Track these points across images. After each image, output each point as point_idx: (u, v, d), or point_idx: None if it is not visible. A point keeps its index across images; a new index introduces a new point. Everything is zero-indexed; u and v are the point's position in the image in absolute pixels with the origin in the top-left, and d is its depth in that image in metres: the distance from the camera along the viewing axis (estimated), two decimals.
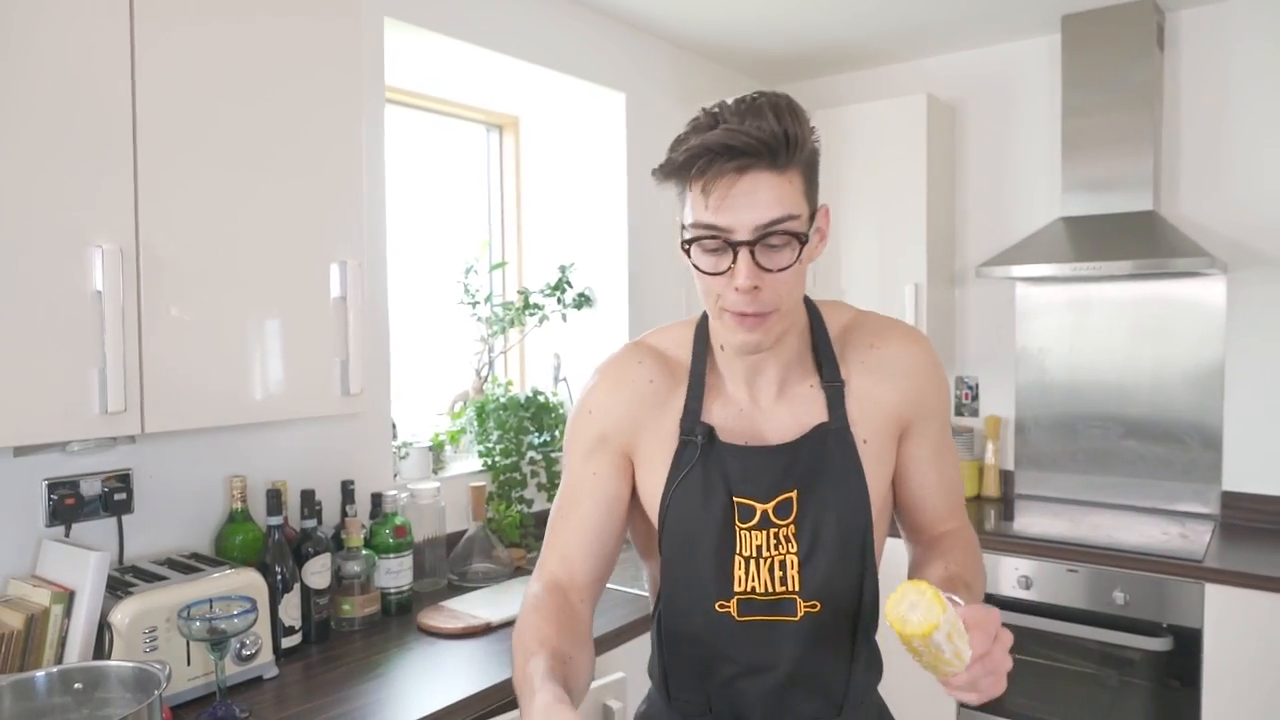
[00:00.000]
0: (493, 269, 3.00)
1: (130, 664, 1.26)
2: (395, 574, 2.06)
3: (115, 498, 1.71)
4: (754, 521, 1.06)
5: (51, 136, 1.34)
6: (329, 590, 1.91)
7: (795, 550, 1.06)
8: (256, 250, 1.62)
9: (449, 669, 1.75)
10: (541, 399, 2.68)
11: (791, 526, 1.06)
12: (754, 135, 0.92)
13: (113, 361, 1.39)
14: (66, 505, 1.64)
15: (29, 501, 1.62)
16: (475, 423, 2.62)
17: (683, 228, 1.00)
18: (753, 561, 1.06)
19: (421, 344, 2.76)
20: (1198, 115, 2.83)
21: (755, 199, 0.94)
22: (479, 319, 2.84)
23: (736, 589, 1.07)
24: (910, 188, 3.02)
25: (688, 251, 1.00)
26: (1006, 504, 3.10)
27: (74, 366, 1.37)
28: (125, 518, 1.74)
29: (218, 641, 1.50)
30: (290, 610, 1.81)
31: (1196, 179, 2.83)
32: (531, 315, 2.89)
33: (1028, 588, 2.57)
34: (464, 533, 2.37)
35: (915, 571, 1.12)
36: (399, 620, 2.03)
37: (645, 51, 3.00)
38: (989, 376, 3.25)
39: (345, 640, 1.91)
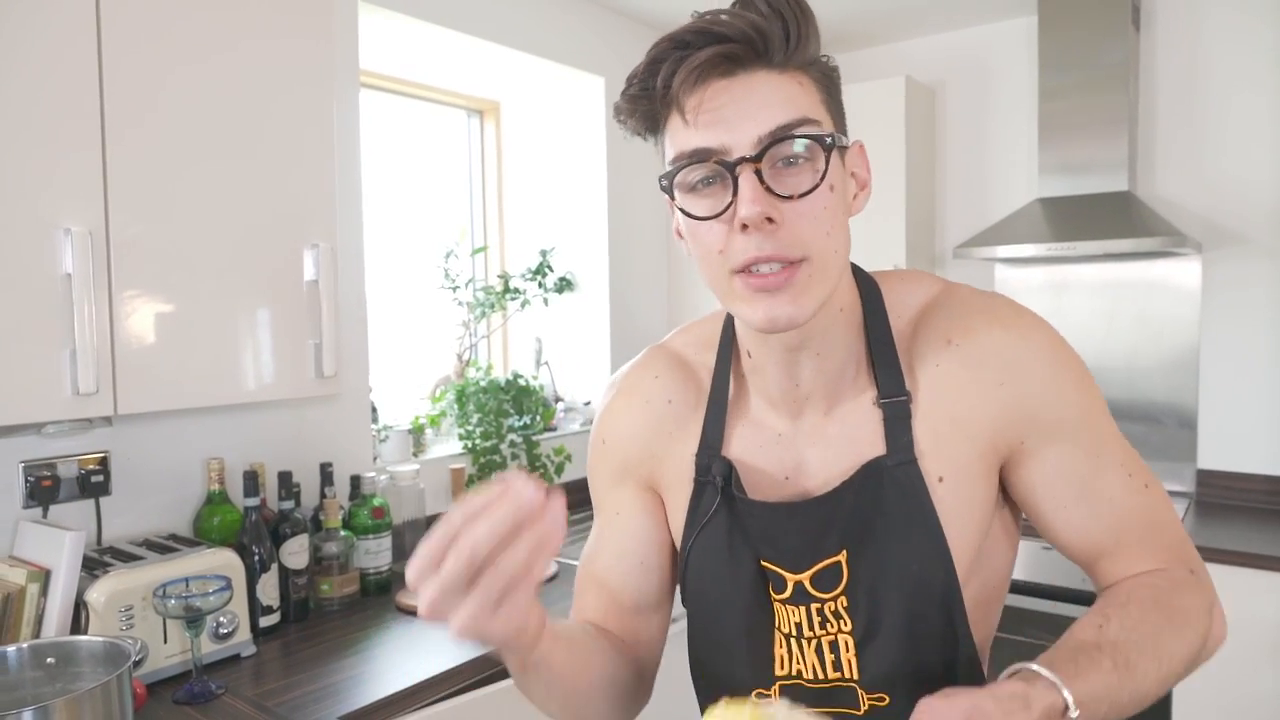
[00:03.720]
0: (474, 253, 3.01)
1: (101, 639, 1.28)
2: (374, 554, 2.08)
3: (93, 480, 1.73)
4: (787, 594, 0.80)
5: (17, 119, 1.34)
6: (307, 570, 1.93)
7: (849, 629, 0.79)
8: (227, 233, 1.63)
9: (427, 646, 1.77)
10: (522, 382, 2.70)
11: (842, 599, 0.79)
12: (742, 21, 0.68)
13: (83, 343, 1.41)
14: (44, 487, 1.66)
15: (5, 483, 1.64)
16: (456, 406, 2.64)
17: (663, 183, 0.74)
18: (794, 641, 0.81)
19: (403, 329, 2.78)
20: (1172, 95, 2.84)
21: (752, 102, 0.69)
22: (460, 303, 2.86)
23: (779, 671, 0.82)
24: (889, 170, 3.03)
25: (670, 194, 0.73)
26: None
27: (45, 348, 1.39)
28: (103, 500, 1.76)
29: (193, 619, 1.52)
30: (268, 590, 1.83)
31: (1171, 159, 2.85)
32: (513, 299, 2.90)
33: None
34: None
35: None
36: (378, 600, 2.05)
37: (623, 35, 3.00)
38: None
39: (324, 619, 1.93)
